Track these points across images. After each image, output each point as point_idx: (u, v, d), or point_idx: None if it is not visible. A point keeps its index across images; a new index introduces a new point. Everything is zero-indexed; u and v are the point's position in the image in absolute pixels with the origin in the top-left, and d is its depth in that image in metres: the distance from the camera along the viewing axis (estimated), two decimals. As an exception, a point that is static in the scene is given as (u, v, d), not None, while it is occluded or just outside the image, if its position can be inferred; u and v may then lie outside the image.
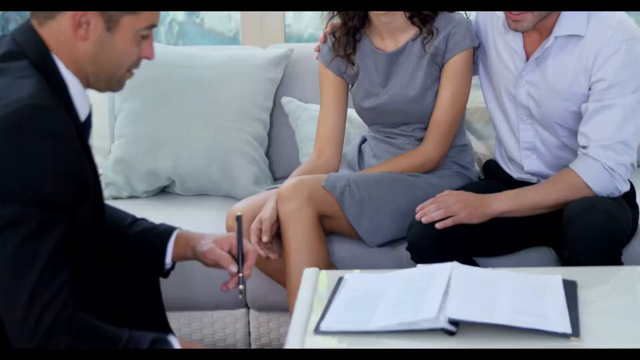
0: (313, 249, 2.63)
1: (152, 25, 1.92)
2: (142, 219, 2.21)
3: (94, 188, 1.91)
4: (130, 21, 1.86)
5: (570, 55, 2.58)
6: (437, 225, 2.50)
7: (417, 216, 2.53)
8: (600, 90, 2.54)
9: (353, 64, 2.82)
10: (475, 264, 2.58)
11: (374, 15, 2.72)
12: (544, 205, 2.59)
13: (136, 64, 1.97)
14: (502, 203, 2.57)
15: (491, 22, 2.74)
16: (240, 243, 2.11)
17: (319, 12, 2.87)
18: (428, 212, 2.52)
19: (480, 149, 3.18)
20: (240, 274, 2.10)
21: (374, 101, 2.83)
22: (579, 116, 2.61)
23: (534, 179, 2.76)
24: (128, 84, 3.18)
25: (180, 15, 4.19)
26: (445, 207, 2.52)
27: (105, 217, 2.01)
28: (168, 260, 2.15)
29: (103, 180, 3.22)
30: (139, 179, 3.21)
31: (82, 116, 1.91)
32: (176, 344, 1.88)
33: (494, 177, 2.86)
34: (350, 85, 2.89)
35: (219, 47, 3.69)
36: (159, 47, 3.32)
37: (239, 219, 2.14)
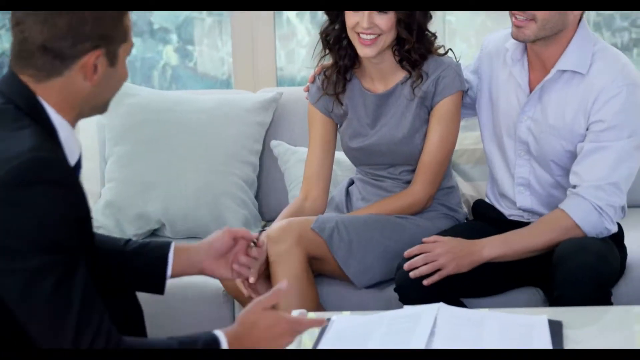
0: (302, 290, 2.64)
1: (133, 45, 1.97)
2: (134, 240, 2.24)
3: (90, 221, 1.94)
4: (124, 49, 1.90)
5: (572, 93, 2.60)
6: (425, 282, 2.49)
7: (405, 267, 2.51)
8: (598, 131, 2.56)
9: (341, 103, 2.84)
10: (463, 305, 2.59)
11: (365, 57, 2.74)
12: (534, 248, 2.59)
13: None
14: (491, 249, 2.56)
15: (497, 56, 2.76)
16: None
17: (311, 54, 2.89)
18: (415, 264, 2.51)
19: (468, 190, 3.19)
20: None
21: (362, 141, 2.84)
22: (574, 156, 2.62)
23: (525, 216, 2.76)
24: (119, 129, 3.25)
25: (173, 59, 4.21)
26: (433, 259, 2.50)
27: (96, 244, 2.02)
28: (169, 273, 2.18)
29: (93, 224, 3.22)
30: (129, 222, 3.21)
31: (72, 160, 1.91)
32: (224, 342, 1.87)
33: (483, 218, 2.86)
34: (338, 125, 2.91)
35: (210, 91, 3.72)
36: (149, 92, 3.37)
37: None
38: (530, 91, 2.67)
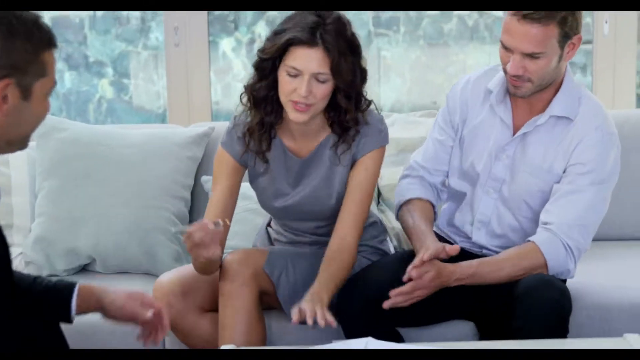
0: (250, 325, 2.62)
1: (55, 84, 1.97)
2: (41, 277, 2.23)
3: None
4: (41, 85, 1.91)
5: (556, 136, 2.66)
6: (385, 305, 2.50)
7: (396, 301, 2.50)
8: (576, 174, 2.62)
9: (267, 161, 2.73)
10: (398, 335, 2.63)
11: (296, 122, 2.61)
12: (500, 280, 2.60)
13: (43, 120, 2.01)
14: (461, 281, 2.57)
15: (475, 97, 2.78)
16: None
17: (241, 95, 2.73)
18: (411, 298, 2.51)
19: (397, 223, 3.18)
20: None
21: (285, 201, 2.77)
22: (546, 197, 2.67)
23: (475, 249, 2.79)
24: (49, 163, 3.22)
25: (108, 92, 4.20)
26: (426, 289, 2.52)
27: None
28: (73, 313, 2.19)
29: (23, 259, 3.19)
30: (59, 257, 3.18)
31: None
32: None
33: None
34: (254, 179, 2.78)
35: (141, 125, 3.71)
36: (81, 127, 3.35)
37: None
38: (514, 130, 2.70)
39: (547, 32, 2.53)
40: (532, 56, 2.55)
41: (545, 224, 2.63)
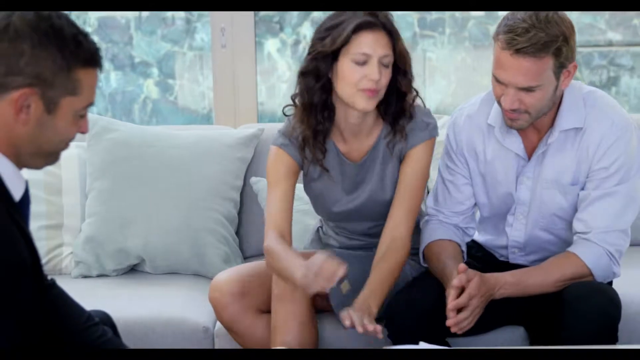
0: (302, 328, 2.61)
1: (90, 104, 1.90)
2: (100, 326, 2.14)
3: (30, 266, 1.85)
4: (70, 102, 1.85)
5: (571, 147, 2.59)
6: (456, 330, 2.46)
7: (451, 327, 2.46)
8: (601, 178, 2.57)
9: (327, 170, 2.72)
10: (447, 345, 2.59)
11: (365, 111, 2.60)
12: (544, 290, 2.56)
13: (73, 139, 1.94)
14: (505, 290, 2.53)
15: (476, 135, 2.70)
16: None
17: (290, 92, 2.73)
18: (466, 325, 2.47)
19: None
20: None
21: (341, 206, 2.77)
22: (575, 206, 2.62)
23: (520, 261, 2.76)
24: (100, 164, 3.24)
25: (154, 93, 4.22)
26: (478, 297, 2.47)
27: (45, 294, 1.97)
28: None
29: (73, 259, 3.22)
30: (109, 258, 3.20)
31: (17, 196, 1.86)
32: None
33: (474, 257, 2.83)
34: (305, 181, 2.79)
35: (191, 126, 3.72)
36: (130, 127, 3.37)
37: None
38: (529, 156, 2.65)
39: (542, 65, 2.42)
40: (527, 90, 2.45)
41: (582, 233, 2.58)
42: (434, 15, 4.07)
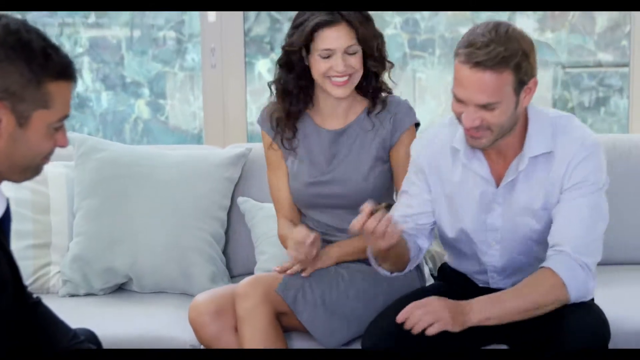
0: (270, 347, 2.62)
1: (64, 117, 1.89)
2: (86, 344, 2.15)
3: (11, 282, 1.86)
4: (42, 115, 1.84)
5: (541, 172, 2.56)
6: (428, 332, 2.41)
7: (406, 325, 2.44)
8: (569, 190, 2.54)
9: (293, 149, 2.89)
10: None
11: (338, 97, 2.80)
12: (522, 309, 2.49)
13: (52, 153, 1.93)
14: (481, 312, 2.47)
15: (442, 160, 2.66)
16: None
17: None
18: (414, 319, 2.43)
19: (433, 246, 3.15)
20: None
21: (317, 178, 2.85)
22: (549, 228, 2.58)
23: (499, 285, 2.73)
24: (88, 183, 3.25)
25: (145, 113, 4.23)
26: (432, 313, 2.43)
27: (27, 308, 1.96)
28: None
29: (60, 278, 3.22)
30: (96, 276, 3.20)
31: None
32: None
33: (448, 281, 2.82)
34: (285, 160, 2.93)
35: (179, 146, 3.74)
36: (118, 147, 3.38)
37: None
38: (496, 179, 2.60)
39: (501, 80, 2.38)
40: (486, 107, 2.40)
41: (554, 246, 2.53)
42: (423, 36, 4.09)
